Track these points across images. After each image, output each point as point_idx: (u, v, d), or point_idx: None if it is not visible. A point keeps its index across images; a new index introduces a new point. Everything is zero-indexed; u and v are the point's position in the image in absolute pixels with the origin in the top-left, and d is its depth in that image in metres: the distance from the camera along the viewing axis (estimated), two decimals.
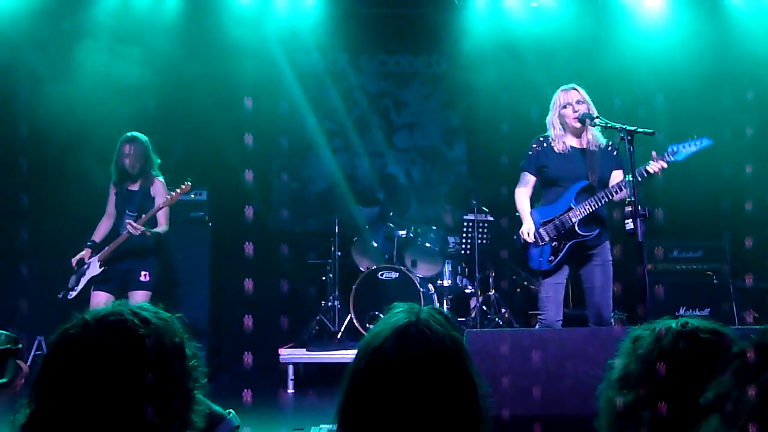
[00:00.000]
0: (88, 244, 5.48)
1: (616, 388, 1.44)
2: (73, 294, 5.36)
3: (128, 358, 1.37)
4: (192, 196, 6.68)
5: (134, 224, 5.18)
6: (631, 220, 3.82)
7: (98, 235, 5.52)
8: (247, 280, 5.91)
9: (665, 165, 4.12)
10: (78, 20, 6.82)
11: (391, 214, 7.26)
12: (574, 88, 4.48)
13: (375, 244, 7.00)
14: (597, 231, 4.36)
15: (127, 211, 5.37)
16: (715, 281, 6.62)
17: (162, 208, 5.28)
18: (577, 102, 4.43)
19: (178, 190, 5.26)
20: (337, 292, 6.78)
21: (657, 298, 6.05)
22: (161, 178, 5.48)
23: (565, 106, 4.46)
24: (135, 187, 5.47)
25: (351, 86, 8.28)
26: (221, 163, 7.04)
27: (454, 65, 7.93)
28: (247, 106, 6.35)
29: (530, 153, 4.61)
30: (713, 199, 6.94)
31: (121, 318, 1.42)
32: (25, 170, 6.52)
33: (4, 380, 5.12)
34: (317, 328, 6.76)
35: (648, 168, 4.14)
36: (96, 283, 5.33)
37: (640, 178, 4.11)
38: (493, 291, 6.86)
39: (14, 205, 6.60)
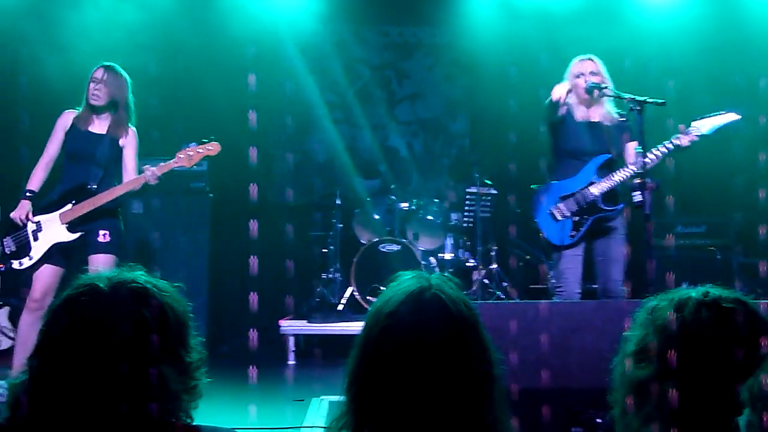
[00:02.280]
0: (27, 195, 4.37)
1: (633, 361, 1.39)
2: (28, 262, 4.26)
3: (152, 326, 1.33)
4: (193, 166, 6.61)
5: (153, 170, 4.27)
6: (639, 192, 3.77)
7: (36, 184, 4.42)
8: (247, 251, 5.87)
9: (696, 138, 4.11)
10: None
11: (392, 186, 7.20)
12: (590, 59, 4.40)
13: (377, 217, 6.96)
14: (621, 206, 4.33)
15: (96, 158, 4.34)
16: (718, 257, 6.59)
17: (178, 166, 4.35)
18: (591, 73, 4.35)
19: (201, 150, 4.36)
20: (338, 265, 6.75)
21: (658, 273, 6.02)
22: (134, 127, 4.54)
23: (578, 76, 4.38)
24: (100, 129, 4.43)
25: (353, 57, 8.17)
26: (222, 134, 6.94)
27: (458, 36, 7.82)
28: (248, 62, 6.20)
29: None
30: (720, 174, 6.87)
31: (138, 284, 1.38)
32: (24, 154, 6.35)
33: None
34: (318, 300, 6.73)
35: (677, 141, 4.13)
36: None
37: (666, 151, 4.11)
38: (496, 264, 6.83)
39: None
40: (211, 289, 6.52)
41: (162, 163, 4.34)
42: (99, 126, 4.46)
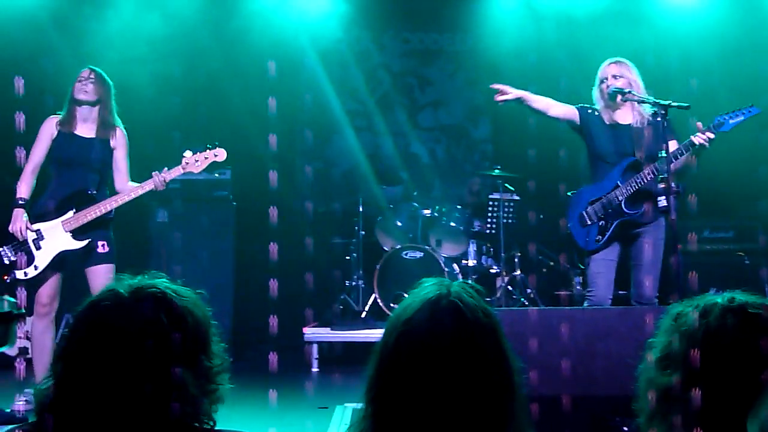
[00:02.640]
0: (20, 203, 4.25)
1: (658, 368, 1.37)
2: (33, 272, 4.18)
3: (170, 330, 1.35)
4: (216, 175, 6.65)
5: (163, 176, 4.23)
6: (664, 197, 3.73)
7: (26, 192, 4.28)
8: (271, 259, 5.88)
9: (712, 136, 4.01)
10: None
11: (415, 193, 7.19)
12: (615, 62, 4.36)
13: (399, 224, 6.95)
14: (643, 209, 4.26)
15: (92, 163, 4.29)
16: (746, 262, 6.48)
17: (185, 171, 4.30)
18: (614, 76, 4.31)
19: (207, 156, 4.32)
20: (361, 272, 6.75)
21: (686, 279, 5.94)
22: (122, 128, 4.45)
23: (602, 81, 4.36)
24: (88, 133, 4.35)
25: (374, 64, 8.19)
26: (244, 142, 7.00)
27: (480, 42, 7.80)
28: (270, 70, 6.20)
29: (582, 105, 4.49)
30: (749, 177, 6.76)
31: (158, 290, 1.40)
32: None
33: (7, 347, 4.54)
34: (341, 307, 6.74)
35: (694, 139, 4.04)
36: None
37: (685, 151, 4.02)
38: (519, 271, 6.79)
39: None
40: (236, 297, 6.55)
41: (167, 169, 4.29)
42: (86, 130, 4.37)
